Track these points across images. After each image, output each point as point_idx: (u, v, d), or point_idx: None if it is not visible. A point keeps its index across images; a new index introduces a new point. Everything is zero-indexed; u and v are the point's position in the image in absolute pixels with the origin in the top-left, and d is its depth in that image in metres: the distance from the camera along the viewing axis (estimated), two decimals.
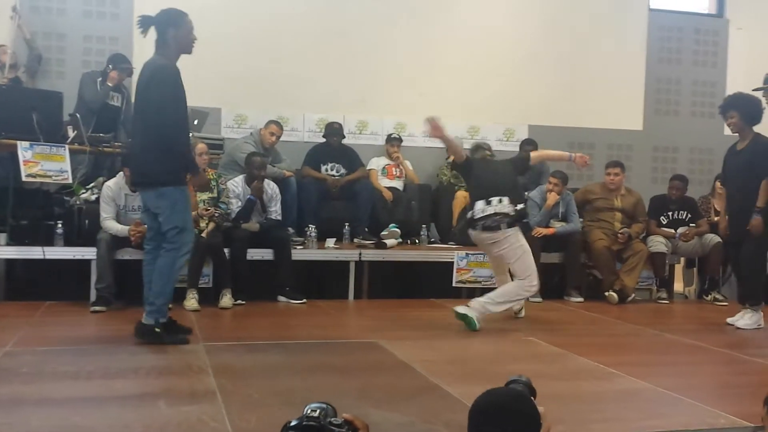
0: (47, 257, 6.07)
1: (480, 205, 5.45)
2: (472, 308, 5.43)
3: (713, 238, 7.46)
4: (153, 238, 4.79)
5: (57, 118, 6.47)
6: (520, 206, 5.49)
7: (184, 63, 7.93)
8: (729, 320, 6.07)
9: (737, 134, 5.98)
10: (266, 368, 4.21)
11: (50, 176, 6.12)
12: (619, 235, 7.30)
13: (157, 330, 4.59)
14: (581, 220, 7.50)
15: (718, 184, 6.67)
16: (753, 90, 5.68)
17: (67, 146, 6.24)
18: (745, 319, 5.86)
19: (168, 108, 4.52)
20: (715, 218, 7.78)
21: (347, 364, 4.42)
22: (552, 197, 7.28)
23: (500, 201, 5.41)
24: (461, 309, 5.44)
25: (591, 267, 7.50)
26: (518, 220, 5.49)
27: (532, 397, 2.35)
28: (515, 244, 5.46)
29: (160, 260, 4.65)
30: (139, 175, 4.82)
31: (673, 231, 7.58)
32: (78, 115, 6.57)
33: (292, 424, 1.86)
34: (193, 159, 5.17)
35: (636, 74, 9.60)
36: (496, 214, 5.38)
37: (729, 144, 6.21)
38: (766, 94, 5.39)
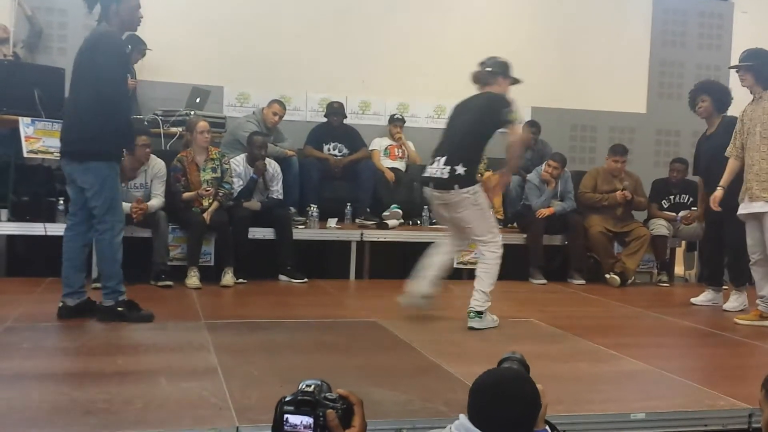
0: (49, 233, 6.06)
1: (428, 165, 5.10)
2: (480, 317, 4.89)
3: None
4: (75, 213, 4.64)
5: (59, 94, 6.42)
6: (461, 169, 4.77)
7: (187, 41, 7.96)
8: (693, 300, 6.21)
9: (706, 119, 6.14)
10: (267, 346, 4.22)
11: (52, 152, 6.09)
12: (622, 193, 7.31)
13: (119, 309, 4.52)
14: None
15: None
16: (729, 67, 5.77)
17: None
18: (731, 301, 5.89)
19: (113, 76, 4.36)
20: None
21: (348, 343, 4.43)
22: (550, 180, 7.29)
23: (437, 161, 4.90)
24: (475, 324, 4.88)
25: (591, 250, 7.51)
26: (469, 180, 4.82)
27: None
28: (479, 205, 4.86)
29: (98, 245, 4.54)
30: (68, 144, 4.55)
31: (674, 214, 7.57)
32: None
33: (287, 399, 1.87)
34: (133, 137, 5.04)
35: (640, 57, 9.55)
36: (430, 177, 4.91)
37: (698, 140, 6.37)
38: (742, 73, 5.41)
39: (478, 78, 5.11)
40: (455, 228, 5.11)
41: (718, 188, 5.53)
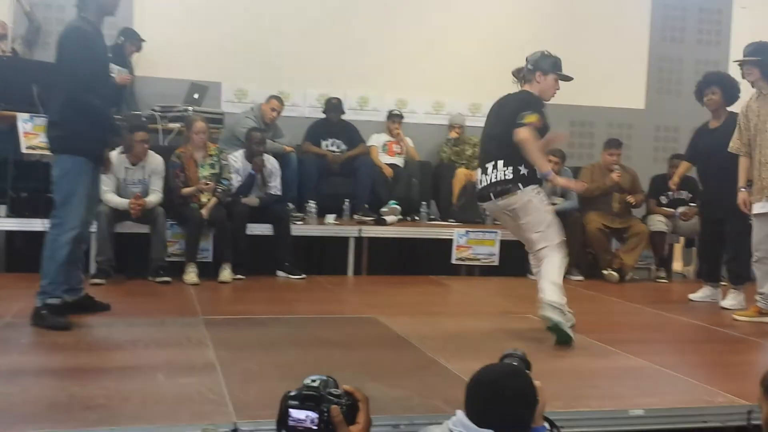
0: (47, 229, 6.05)
1: (478, 175, 4.70)
2: (554, 312, 4.33)
3: None
4: None
5: None
6: (522, 169, 4.42)
7: (185, 36, 7.94)
8: (691, 296, 6.19)
9: (711, 112, 6.03)
10: (265, 342, 4.22)
11: None
12: (617, 173, 7.31)
13: (42, 312, 4.26)
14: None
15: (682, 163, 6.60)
16: (734, 61, 5.61)
17: None
18: (729, 299, 5.87)
19: (76, 71, 4.23)
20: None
21: (346, 338, 4.43)
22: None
23: (495, 166, 4.49)
24: (551, 315, 4.30)
25: (589, 246, 7.50)
26: (531, 180, 4.45)
27: (528, 371, 2.36)
28: (539, 204, 4.49)
29: (45, 239, 4.36)
30: (47, 140, 4.53)
31: (672, 210, 7.57)
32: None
33: (292, 394, 1.87)
34: (114, 132, 4.76)
35: (639, 53, 9.53)
36: (496, 183, 4.47)
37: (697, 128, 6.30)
38: (747, 67, 5.33)
39: (516, 75, 4.82)
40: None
41: (741, 190, 5.33)
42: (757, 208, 5.27)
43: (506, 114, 4.54)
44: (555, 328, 4.29)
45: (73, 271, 4.55)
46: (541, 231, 4.48)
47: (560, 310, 4.32)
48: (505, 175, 4.44)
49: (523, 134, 4.35)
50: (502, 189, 4.45)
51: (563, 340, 4.29)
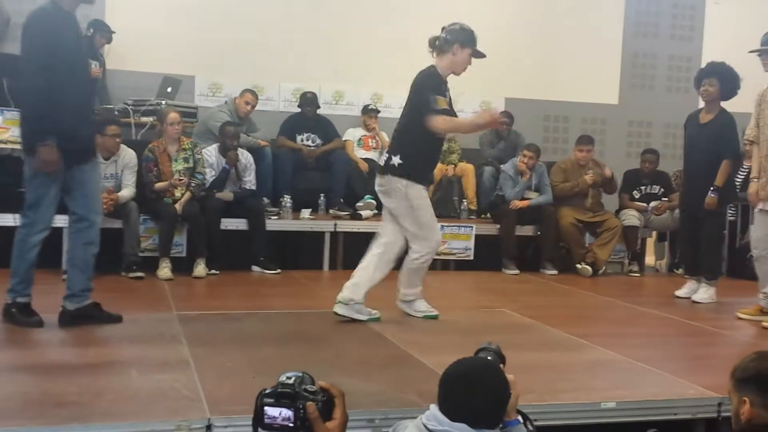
0: (19, 224, 5.98)
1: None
2: (411, 307, 4.86)
3: None
4: (73, 212, 4.33)
5: None
6: (396, 159, 4.54)
7: (159, 29, 7.86)
8: (677, 293, 6.15)
9: (705, 103, 5.92)
10: (240, 337, 4.20)
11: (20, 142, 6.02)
12: (591, 176, 7.35)
13: (12, 311, 4.13)
14: None
15: None
16: (750, 51, 5.39)
17: None
18: (700, 293, 5.92)
19: (29, 66, 3.97)
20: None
21: (321, 333, 4.42)
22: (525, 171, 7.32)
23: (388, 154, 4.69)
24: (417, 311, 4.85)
25: (562, 241, 7.55)
26: (407, 172, 4.54)
27: (502, 364, 2.37)
28: (412, 201, 4.59)
29: (16, 236, 4.17)
30: (20, 136, 4.35)
31: (645, 205, 7.64)
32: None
33: (267, 391, 1.87)
34: (76, 128, 4.16)
35: (613, 48, 9.59)
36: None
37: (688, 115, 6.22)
38: (765, 58, 5.23)
39: (432, 44, 4.75)
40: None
41: (753, 181, 5.25)
42: (760, 205, 5.25)
43: (409, 95, 4.71)
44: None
45: (78, 275, 4.26)
46: (418, 228, 4.65)
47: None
48: (389, 157, 4.64)
49: (436, 123, 4.47)
50: (380, 168, 4.71)
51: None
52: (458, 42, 4.62)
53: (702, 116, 5.96)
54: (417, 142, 4.58)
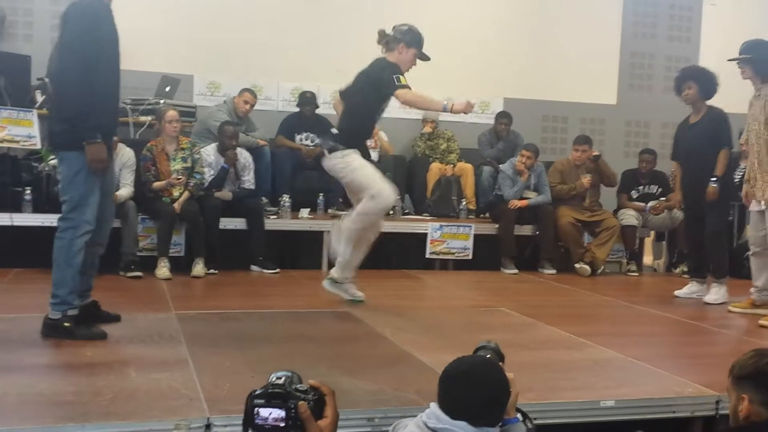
0: (15, 224, 5.98)
1: None
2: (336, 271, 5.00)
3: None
4: None
5: (25, 82, 6.38)
6: (334, 130, 4.99)
7: (157, 28, 7.85)
8: (677, 293, 6.15)
9: (690, 106, 6.00)
10: (238, 337, 4.19)
11: (18, 141, 6.03)
12: (588, 179, 7.35)
13: (66, 325, 3.88)
14: None
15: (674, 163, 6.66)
16: (728, 60, 5.50)
17: (35, 111, 6.14)
18: (712, 294, 5.90)
19: (84, 48, 3.79)
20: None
21: (319, 333, 4.42)
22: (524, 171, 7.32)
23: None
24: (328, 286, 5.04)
25: (561, 240, 7.55)
26: (342, 141, 4.84)
27: (501, 362, 2.37)
28: (349, 165, 4.82)
29: (55, 244, 3.90)
30: (50, 135, 4.22)
31: (643, 204, 7.63)
32: (47, 80, 6.44)
33: (258, 392, 1.86)
34: (113, 123, 4.20)
35: (611, 49, 9.61)
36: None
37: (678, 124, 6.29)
38: (741, 65, 5.33)
39: (380, 39, 5.01)
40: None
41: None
42: (755, 206, 5.32)
43: (361, 77, 4.93)
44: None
45: (80, 277, 4.06)
46: (364, 184, 4.82)
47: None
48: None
49: (406, 95, 4.68)
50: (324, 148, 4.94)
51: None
52: (404, 42, 4.86)
53: (691, 118, 6.05)
54: (353, 117, 4.91)
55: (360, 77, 4.94)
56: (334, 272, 5.06)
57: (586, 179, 7.36)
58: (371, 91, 4.83)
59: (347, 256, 4.96)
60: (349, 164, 4.81)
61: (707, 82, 5.90)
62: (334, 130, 4.87)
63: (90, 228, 3.91)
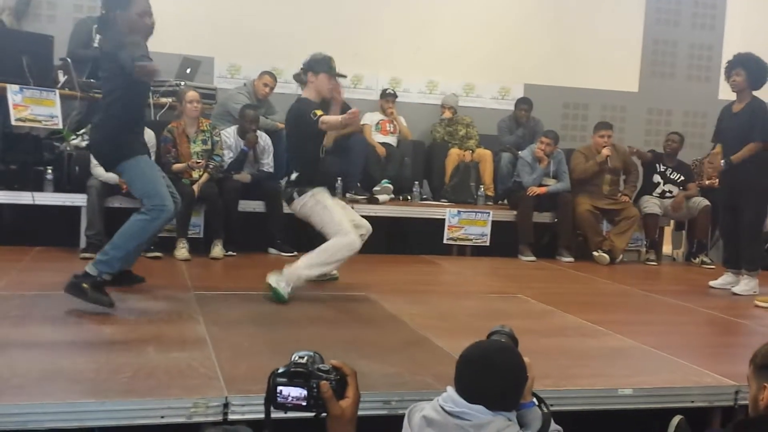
0: (37, 202, 6.03)
1: None
2: (283, 276, 4.65)
3: (701, 202, 7.50)
4: None
5: (48, 62, 6.38)
6: (294, 175, 4.88)
7: (178, 10, 7.84)
8: (711, 283, 6.11)
9: (736, 93, 5.89)
10: (256, 318, 4.22)
11: (40, 121, 6.06)
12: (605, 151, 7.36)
13: (84, 285, 4.03)
14: None
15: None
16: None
17: (57, 91, 6.17)
18: (741, 285, 5.86)
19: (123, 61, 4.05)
20: (707, 182, 7.78)
21: (337, 316, 4.44)
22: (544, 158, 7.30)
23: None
24: (271, 279, 4.64)
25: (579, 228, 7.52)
26: (305, 184, 4.84)
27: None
28: (315, 207, 4.81)
29: (134, 218, 4.22)
30: (96, 156, 4.73)
31: (662, 201, 7.62)
32: (69, 60, 6.48)
33: (280, 371, 1.87)
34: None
35: (634, 35, 9.52)
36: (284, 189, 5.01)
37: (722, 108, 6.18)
38: None
39: (296, 79, 5.24)
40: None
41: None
42: None
43: (288, 129, 5.11)
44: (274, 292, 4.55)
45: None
46: (328, 229, 4.78)
47: (288, 282, 4.59)
48: (288, 180, 4.93)
49: (326, 123, 4.76)
50: (286, 197, 4.96)
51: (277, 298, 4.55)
52: (311, 71, 4.96)
53: (734, 106, 5.94)
54: (306, 163, 4.88)
55: (288, 130, 5.12)
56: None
57: (605, 150, 7.30)
58: (304, 136, 4.90)
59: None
60: (319, 201, 4.82)
61: (757, 71, 5.78)
62: (294, 175, 4.88)
63: (170, 212, 4.28)
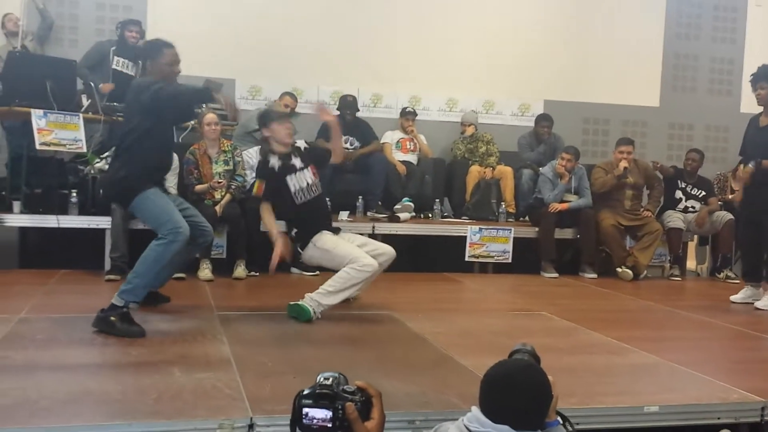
0: (61, 225, 6.10)
1: None
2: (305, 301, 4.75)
3: (725, 216, 7.44)
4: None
5: (71, 86, 6.49)
6: (293, 232, 5.03)
7: (199, 33, 7.94)
8: (732, 298, 6.05)
9: (762, 107, 5.82)
10: (280, 338, 4.23)
11: (64, 145, 6.14)
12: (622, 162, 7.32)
13: (111, 319, 4.08)
14: None
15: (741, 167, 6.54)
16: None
17: (81, 115, 6.25)
18: (764, 300, 5.79)
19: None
20: (730, 196, 7.73)
21: (360, 335, 4.44)
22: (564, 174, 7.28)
23: None
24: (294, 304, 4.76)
25: (603, 244, 7.48)
26: (303, 238, 4.96)
27: None
28: (321, 251, 4.89)
29: (153, 244, 4.26)
30: (111, 197, 5.06)
31: (685, 215, 7.57)
32: (92, 84, 6.57)
33: (306, 392, 1.87)
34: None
35: (654, 50, 9.51)
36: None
37: (745, 122, 6.13)
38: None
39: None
40: None
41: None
42: None
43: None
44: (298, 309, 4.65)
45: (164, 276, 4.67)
46: (341, 265, 4.77)
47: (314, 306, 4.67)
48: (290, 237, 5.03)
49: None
50: (297, 255, 5.06)
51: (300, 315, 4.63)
52: (263, 126, 5.10)
53: (762, 119, 5.88)
54: (289, 213, 5.05)
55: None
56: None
57: (623, 163, 7.26)
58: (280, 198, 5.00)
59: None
60: (321, 247, 4.87)
61: None
62: (293, 232, 5.02)
63: (185, 232, 4.28)
